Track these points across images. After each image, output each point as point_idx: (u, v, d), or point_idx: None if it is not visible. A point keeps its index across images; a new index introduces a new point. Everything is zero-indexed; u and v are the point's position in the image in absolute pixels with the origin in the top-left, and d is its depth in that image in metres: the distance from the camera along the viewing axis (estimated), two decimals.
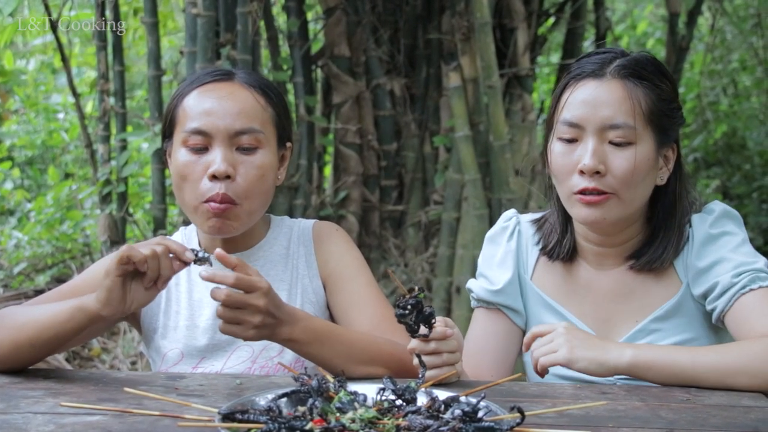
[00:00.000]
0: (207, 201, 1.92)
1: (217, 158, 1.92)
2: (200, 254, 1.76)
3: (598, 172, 1.87)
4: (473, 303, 2.14)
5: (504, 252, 2.11)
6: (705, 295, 1.92)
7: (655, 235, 1.98)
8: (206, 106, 1.96)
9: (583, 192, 1.89)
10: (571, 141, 1.91)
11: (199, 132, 1.94)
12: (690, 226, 1.98)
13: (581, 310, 2.03)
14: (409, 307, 1.68)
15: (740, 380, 1.75)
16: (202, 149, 1.94)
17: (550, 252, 2.06)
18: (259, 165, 1.96)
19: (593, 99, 1.89)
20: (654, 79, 1.92)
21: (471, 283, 2.14)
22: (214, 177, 1.92)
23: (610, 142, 1.88)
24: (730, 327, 1.89)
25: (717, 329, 1.96)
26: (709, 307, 1.92)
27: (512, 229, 2.12)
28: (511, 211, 2.17)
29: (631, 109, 1.87)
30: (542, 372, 1.82)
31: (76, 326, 1.77)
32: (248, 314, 1.70)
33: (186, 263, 1.75)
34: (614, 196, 1.88)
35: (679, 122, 1.97)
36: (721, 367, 1.76)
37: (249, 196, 1.95)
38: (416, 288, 1.69)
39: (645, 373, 1.78)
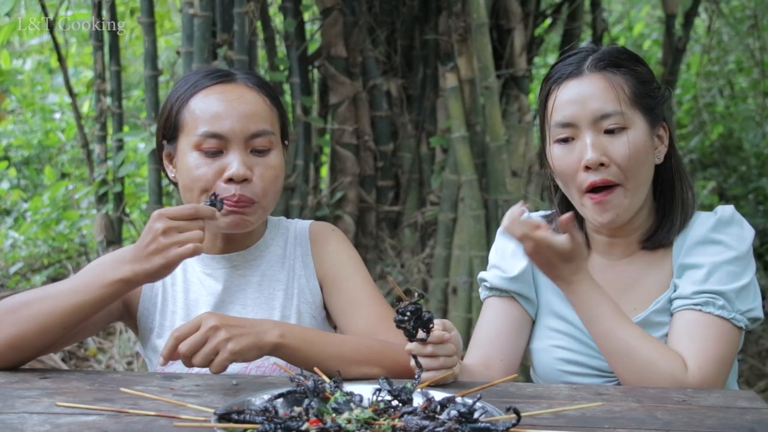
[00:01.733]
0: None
1: (234, 162, 1.92)
2: (218, 204, 1.88)
3: (602, 164, 1.91)
4: (484, 294, 2.15)
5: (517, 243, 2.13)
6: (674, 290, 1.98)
7: (663, 214, 2.03)
8: (218, 109, 1.95)
9: (592, 189, 1.92)
10: (568, 140, 1.95)
11: (214, 135, 1.93)
12: (693, 223, 2.00)
13: None
14: (408, 313, 1.68)
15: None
16: (217, 152, 1.94)
17: None
18: (273, 166, 1.98)
19: (579, 96, 1.94)
20: (629, 64, 1.98)
21: (483, 274, 2.17)
22: (230, 180, 1.92)
23: (606, 132, 1.92)
24: (669, 329, 1.94)
25: None
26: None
27: None
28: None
29: (616, 96, 1.93)
30: None
31: (115, 298, 1.83)
32: (213, 339, 1.71)
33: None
34: (620, 187, 1.92)
35: (663, 100, 2.02)
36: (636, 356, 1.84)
37: (265, 196, 1.96)
38: (416, 294, 1.69)
39: None
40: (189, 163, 1.95)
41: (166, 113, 2.01)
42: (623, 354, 1.84)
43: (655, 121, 1.98)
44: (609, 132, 1.92)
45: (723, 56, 8.38)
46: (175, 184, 2.04)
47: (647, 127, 1.95)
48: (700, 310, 1.89)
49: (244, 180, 1.93)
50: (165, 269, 1.77)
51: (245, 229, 1.98)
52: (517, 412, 1.41)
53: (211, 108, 1.95)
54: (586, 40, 6.38)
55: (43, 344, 1.85)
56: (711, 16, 7.44)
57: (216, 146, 1.94)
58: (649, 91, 1.97)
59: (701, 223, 1.99)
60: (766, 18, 7.99)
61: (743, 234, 1.97)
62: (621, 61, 1.97)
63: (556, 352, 2.03)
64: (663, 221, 2.02)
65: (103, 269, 1.81)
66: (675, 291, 1.96)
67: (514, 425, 1.41)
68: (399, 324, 1.70)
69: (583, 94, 1.94)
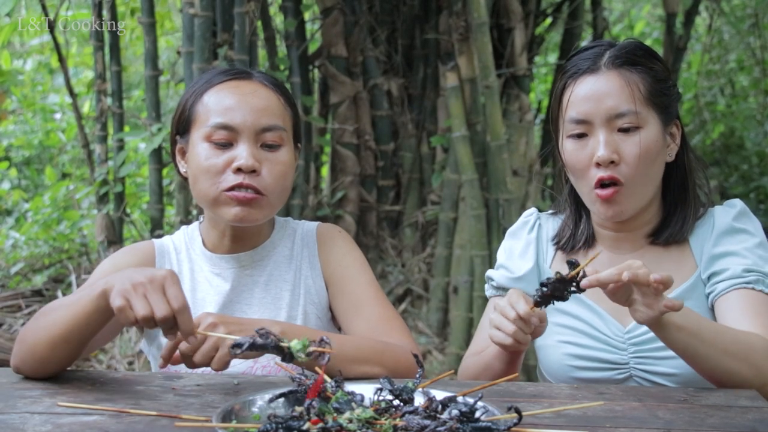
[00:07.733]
0: (230, 190, 1.93)
1: (243, 153, 1.93)
2: None
3: (612, 162, 1.92)
4: (490, 292, 2.17)
5: (525, 243, 2.16)
6: (710, 278, 1.97)
7: (672, 210, 2.04)
8: (231, 102, 1.96)
9: (600, 184, 1.93)
10: (581, 136, 1.96)
11: (225, 127, 1.94)
12: (712, 216, 2.03)
13: (599, 294, 2.04)
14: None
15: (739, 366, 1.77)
16: (227, 144, 1.95)
17: (563, 246, 2.12)
18: (282, 162, 1.98)
19: (594, 93, 1.95)
20: (646, 62, 1.98)
21: (490, 272, 2.18)
22: (239, 170, 1.93)
23: (619, 130, 1.94)
24: (717, 313, 1.93)
25: None
26: (708, 290, 1.97)
27: (533, 222, 2.18)
28: (532, 209, 2.23)
29: (631, 95, 1.93)
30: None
31: (104, 313, 1.70)
32: (212, 336, 1.71)
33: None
34: (626, 185, 1.93)
35: (677, 98, 2.03)
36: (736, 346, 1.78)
37: (272, 191, 1.96)
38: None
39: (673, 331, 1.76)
40: (199, 154, 1.96)
41: (181, 107, 2.03)
42: (741, 350, 1.78)
43: (668, 119, 1.99)
44: (622, 130, 1.93)
45: (724, 55, 8.39)
46: (186, 179, 2.05)
47: (660, 126, 1.97)
48: (753, 288, 1.90)
49: (253, 172, 1.93)
50: (119, 312, 1.64)
51: (251, 222, 1.98)
52: (518, 411, 1.40)
53: (224, 101, 1.97)
54: (586, 39, 6.38)
55: (55, 357, 1.77)
56: (712, 14, 7.45)
57: (226, 138, 1.95)
58: (663, 90, 1.98)
59: (721, 215, 2.02)
60: (766, 16, 7.99)
61: (758, 223, 2.03)
62: (638, 59, 1.97)
63: (565, 348, 2.04)
64: (674, 217, 2.03)
65: (103, 281, 1.71)
66: (711, 279, 1.95)
67: (515, 424, 1.41)
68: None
69: (598, 92, 1.94)
